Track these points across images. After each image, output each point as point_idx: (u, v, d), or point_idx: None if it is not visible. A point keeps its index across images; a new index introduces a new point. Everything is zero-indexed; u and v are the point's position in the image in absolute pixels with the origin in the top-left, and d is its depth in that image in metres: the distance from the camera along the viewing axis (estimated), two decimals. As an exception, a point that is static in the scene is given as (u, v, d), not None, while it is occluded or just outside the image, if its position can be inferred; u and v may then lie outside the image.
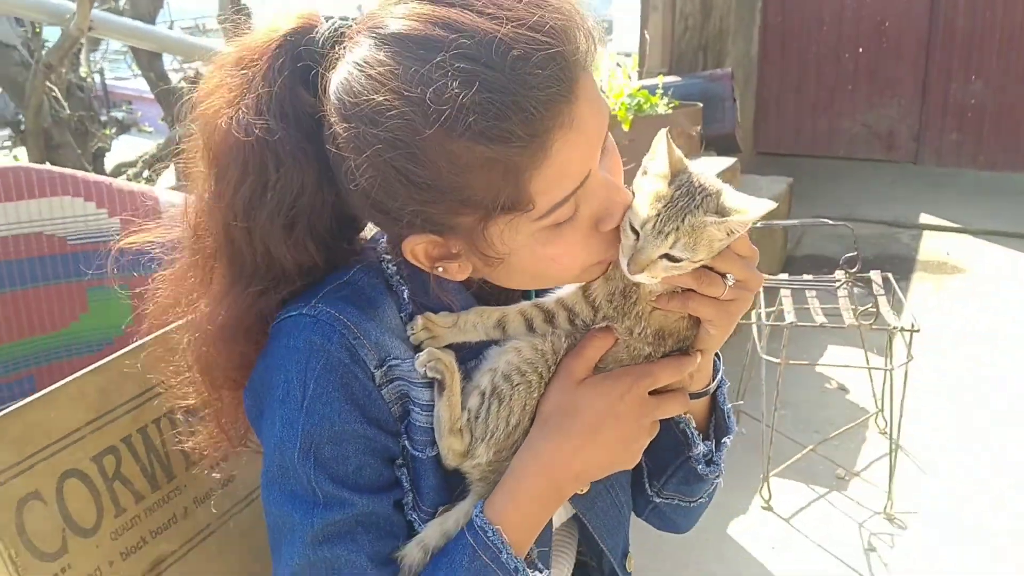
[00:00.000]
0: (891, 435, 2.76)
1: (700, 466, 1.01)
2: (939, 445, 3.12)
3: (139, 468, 1.09)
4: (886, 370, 2.70)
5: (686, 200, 0.80)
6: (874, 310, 2.76)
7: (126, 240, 1.01)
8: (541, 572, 0.88)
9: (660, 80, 4.11)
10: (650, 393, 0.89)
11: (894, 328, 2.65)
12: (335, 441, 0.85)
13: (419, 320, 0.88)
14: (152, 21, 4.02)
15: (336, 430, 0.85)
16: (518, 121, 0.73)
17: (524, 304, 0.91)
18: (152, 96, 4.60)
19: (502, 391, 0.87)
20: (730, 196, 0.83)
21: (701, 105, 4.11)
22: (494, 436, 0.88)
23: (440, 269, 0.85)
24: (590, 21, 0.79)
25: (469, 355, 0.90)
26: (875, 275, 2.97)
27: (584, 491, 0.95)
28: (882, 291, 2.88)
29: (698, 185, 0.81)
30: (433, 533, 0.89)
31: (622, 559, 1.09)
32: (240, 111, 0.82)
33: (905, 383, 2.74)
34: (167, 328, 1.02)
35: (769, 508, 2.80)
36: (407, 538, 0.89)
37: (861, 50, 6.25)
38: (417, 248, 0.83)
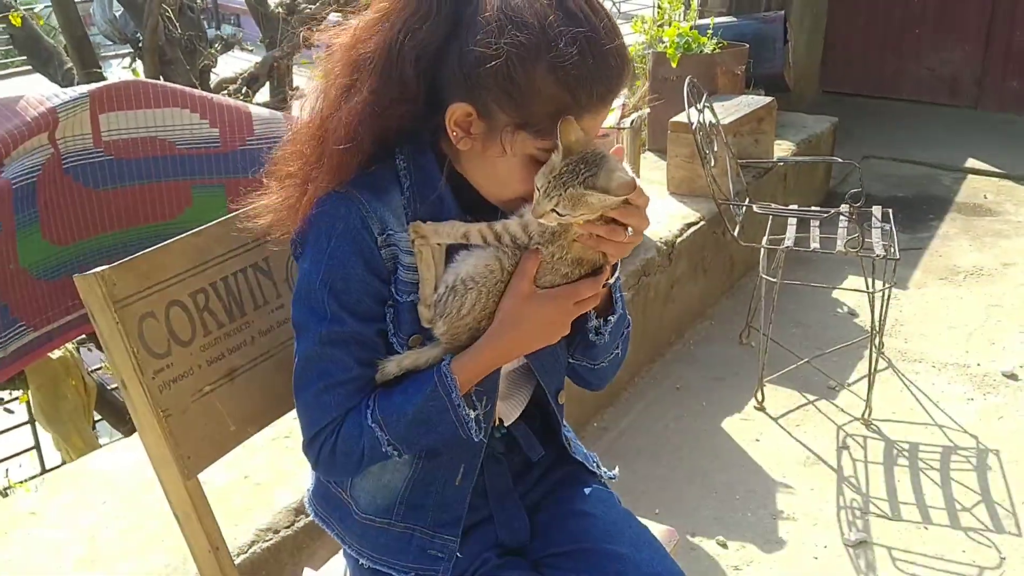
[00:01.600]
0: (871, 349, 3.11)
1: (592, 335, 1.34)
2: (930, 363, 3.47)
3: (221, 305, 1.53)
4: (869, 292, 3.04)
5: (569, 176, 1.12)
6: (868, 241, 3.09)
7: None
8: (474, 409, 1.24)
9: (711, 21, 4.40)
10: None
11: (876, 256, 2.99)
12: (344, 279, 1.20)
13: (412, 225, 1.23)
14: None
15: (346, 272, 1.20)
16: (585, 92, 1.10)
17: (482, 224, 1.21)
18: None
19: (459, 290, 1.23)
20: (606, 174, 1.12)
21: (747, 46, 4.40)
22: (448, 317, 1.24)
23: (456, 135, 1.15)
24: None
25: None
26: (876, 210, 3.29)
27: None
28: (879, 225, 3.21)
29: (583, 162, 1.12)
30: (409, 359, 1.28)
31: (555, 393, 1.42)
32: None
33: (884, 305, 3.10)
34: (244, 209, 1.46)
35: (761, 409, 3.19)
36: (386, 356, 1.26)
37: (929, -6, 6.35)
38: (457, 112, 1.13)
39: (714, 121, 3.35)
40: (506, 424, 1.41)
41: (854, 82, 6.65)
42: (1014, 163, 5.44)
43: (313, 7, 4.20)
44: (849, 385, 3.32)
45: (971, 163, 5.48)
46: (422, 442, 1.26)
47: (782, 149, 4.49)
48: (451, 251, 1.25)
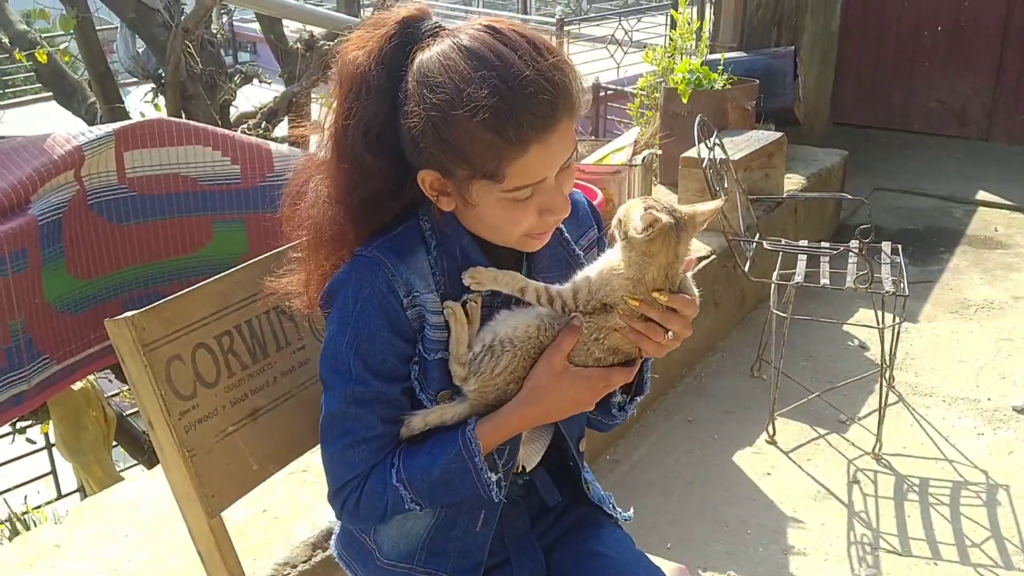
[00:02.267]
0: (881, 383, 3.14)
1: (614, 409, 1.40)
2: (941, 397, 3.49)
3: (245, 347, 1.58)
4: (879, 328, 3.08)
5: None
6: (878, 276, 3.13)
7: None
8: (496, 472, 1.27)
9: (722, 56, 4.46)
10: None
11: (886, 292, 3.02)
12: (370, 341, 1.23)
13: (470, 271, 1.25)
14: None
15: (372, 333, 1.23)
16: (513, 127, 1.10)
17: (540, 284, 1.26)
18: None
19: (495, 350, 1.27)
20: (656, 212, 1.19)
21: (757, 82, 4.46)
22: (481, 376, 1.28)
23: (436, 198, 1.21)
24: (584, 94, 1.20)
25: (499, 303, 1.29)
26: (885, 245, 3.33)
27: None
28: (888, 260, 3.24)
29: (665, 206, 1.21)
30: (435, 415, 1.28)
31: (576, 441, 1.46)
32: (360, 53, 1.17)
33: (895, 341, 3.13)
34: (265, 255, 1.52)
35: (773, 442, 3.22)
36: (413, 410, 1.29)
37: (940, 28, 6.38)
38: (426, 178, 1.18)
39: (724, 157, 3.40)
40: (527, 470, 1.45)
41: (864, 114, 6.69)
42: (1025, 196, 5.46)
43: (332, 43, 4.28)
44: (860, 419, 3.35)
45: (982, 195, 5.50)
46: (444, 500, 1.31)
47: (792, 183, 4.53)
48: (486, 309, 1.30)
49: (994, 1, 6.17)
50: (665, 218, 1.18)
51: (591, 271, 1.26)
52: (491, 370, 1.27)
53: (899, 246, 3.34)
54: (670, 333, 1.23)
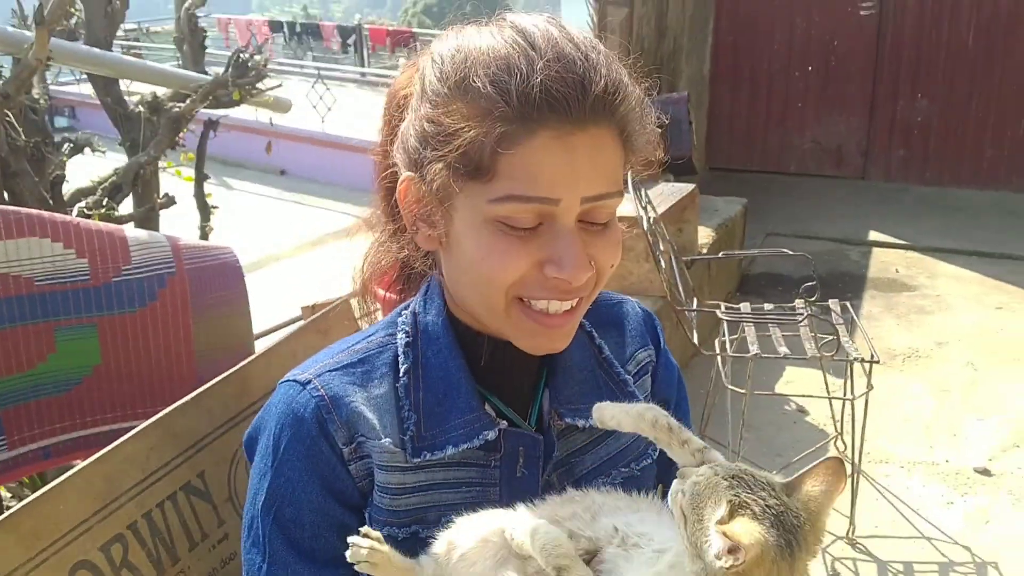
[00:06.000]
0: (853, 463, 2.83)
1: None
2: (898, 464, 3.21)
3: (145, 554, 1.10)
4: (845, 399, 2.77)
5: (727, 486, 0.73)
6: (834, 340, 2.83)
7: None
8: None
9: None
10: None
11: (854, 359, 2.72)
12: (294, 505, 0.90)
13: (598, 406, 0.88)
14: (109, 45, 3.94)
15: (296, 495, 0.89)
16: (521, 87, 0.80)
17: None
18: (96, 102, 4.47)
19: None
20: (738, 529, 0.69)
21: (660, 130, 4.17)
22: None
23: (415, 228, 0.91)
24: (644, 111, 0.88)
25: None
26: (833, 304, 3.05)
27: None
28: (841, 320, 2.95)
29: (750, 484, 0.74)
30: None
31: None
32: (403, 81, 0.95)
33: (866, 412, 2.82)
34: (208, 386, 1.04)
35: (735, 534, 2.85)
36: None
37: (811, 68, 6.36)
38: (402, 184, 0.90)
39: (655, 215, 3.05)
40: None
41: (740, 158, 6.59)
42: (916, 234, 5.40)
43: (182, 105, 3.71)
44: (821, 497, 3.02)
45: (874, 235, 5.42)
46: None
47: (703, 236, 4.26)
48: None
49: (863, 40, 6.19)
50: (768, 537, 0.69)
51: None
52: None
53: (847, 303, 3.06)
54: None
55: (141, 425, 1.13)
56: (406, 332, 0.95)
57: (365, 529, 0.85)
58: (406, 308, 0.98)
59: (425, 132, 0.86)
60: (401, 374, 0.92)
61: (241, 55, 3.75)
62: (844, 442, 3.14)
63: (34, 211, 2.54)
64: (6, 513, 0.98)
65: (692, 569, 0.70)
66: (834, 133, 6.43)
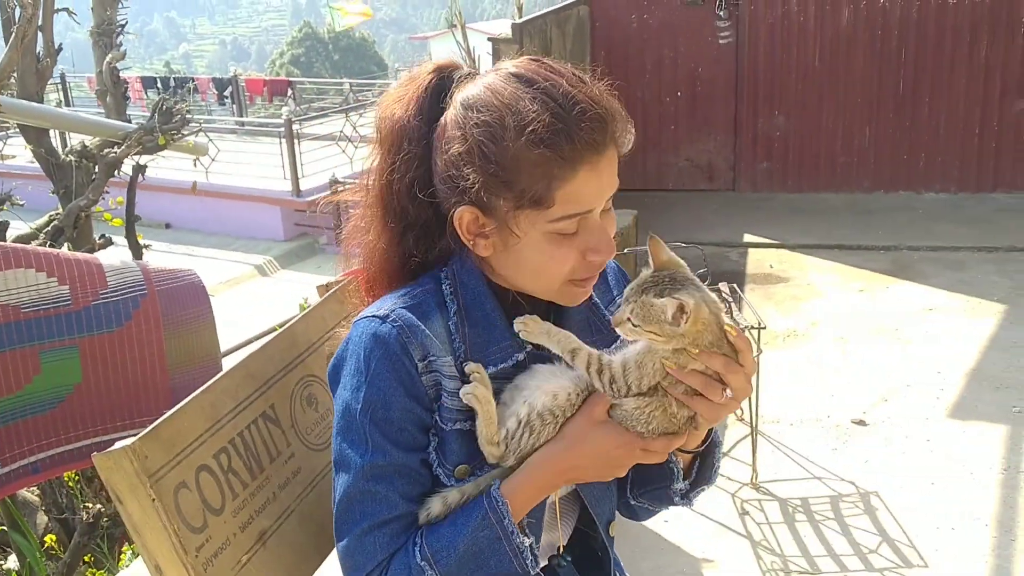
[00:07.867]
0: (751, 421, 3.29)
1: (676, 497, 1.30)
2: (788, 422, 3.70)
3: (242, 463, 1.40)
4: (742, 363, 3.23)
5: (650, 285, 1.10)
6: (728, 313, 3.29)
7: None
8: (528, 537, 1.15)
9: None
10: None
11: (746, 327, 3.19)
12: (385, 407, 1.14)
13: (523, 318, 1.17)
14: (40, 98, 4.18)
15: (387, 399, 1.13)
16: (566, 141, 1.06)
17: (594, 352, 1.16)
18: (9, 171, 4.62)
19: (534, 425, 1.16)
20: (688, 295, 1.07)
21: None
22: (520, 452, 1.18)
23: (472, 242, 1.15)
24: (628, 132, 1.17)
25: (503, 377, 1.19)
26: (723, 286, 3.53)
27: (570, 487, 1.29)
28: (730, 300, 3.43)
29: (670, 279, 1.10)
30: (455, 494, 1.17)
31: (607, 524, 1.35)
32: (397, 107, 1.17)
33: (758, 376, 3.29)
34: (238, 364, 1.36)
35: (657, 491, 3.27)
36: (431, 489, 1.18)
37: (680, 94, 6.96)
38: (464, 217, 1.12)
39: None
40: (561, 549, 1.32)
41: (623, 178, 7.00)
42: (784, 234, 6.01)
43: (115, 151, 4.00)
44: (727, 454, 3.47)
45: (748, 238, 6.00)
46: None
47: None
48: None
49: (723, 67, 6.84)
50: (697, 296, 1.09)
51: (639, 345, 1.14)
52: (532, 445, 1.17)
53: (735, 285, 3.55)
54: (728, 392, 1.11)
55: (231, 368, 1.45)
56: (450, 285, 1.20)
57: (474, 366, 1.15)
58: (440, 272, 1.22)
59: (487, 161, 1.08)
60: (452, 315, 1.18)
61: (165, 103, 4.03)
62: (741, 406, 3.61)
63: (18, 245, 2.82)
64: (150, 426, 1.29)
65: (662, 350, 1.10)
66: (704, 151, 7.04)
